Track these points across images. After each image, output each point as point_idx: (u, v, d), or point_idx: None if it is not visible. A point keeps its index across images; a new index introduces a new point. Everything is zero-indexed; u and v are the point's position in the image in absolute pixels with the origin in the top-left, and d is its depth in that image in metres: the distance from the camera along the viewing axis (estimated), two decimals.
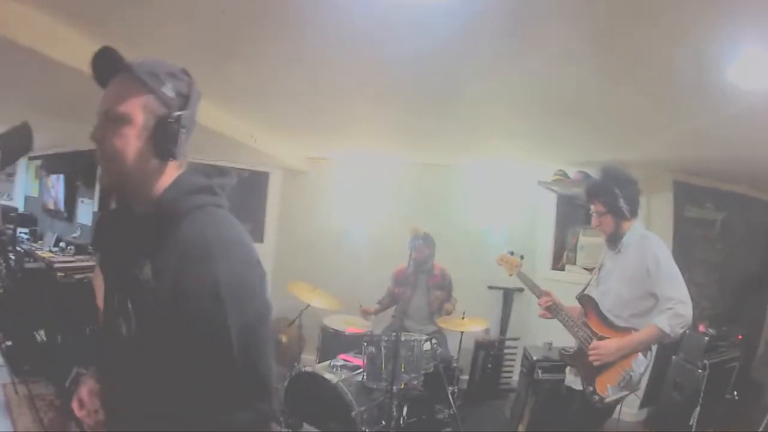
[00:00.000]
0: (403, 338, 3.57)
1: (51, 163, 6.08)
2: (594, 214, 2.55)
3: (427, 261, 4.41)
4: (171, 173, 1.11)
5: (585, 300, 2.64)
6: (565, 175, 4.18)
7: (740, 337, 3.94)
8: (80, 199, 5.57)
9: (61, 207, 5.93)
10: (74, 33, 2.22)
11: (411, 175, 5.19)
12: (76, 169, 5.44)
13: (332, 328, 4.23)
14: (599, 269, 2.70)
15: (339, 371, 3.69)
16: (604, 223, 2.52)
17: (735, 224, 4.51)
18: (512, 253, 3.02)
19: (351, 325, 4.20)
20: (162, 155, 1.07)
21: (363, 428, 3.47)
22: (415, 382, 3.59)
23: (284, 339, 4.75)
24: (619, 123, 3.14)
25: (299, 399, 3.77)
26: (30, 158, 6.13)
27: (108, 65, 1.04)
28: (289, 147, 4.95)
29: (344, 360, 3.80)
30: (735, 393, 3.67)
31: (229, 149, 4.19)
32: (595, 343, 2.39)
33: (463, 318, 3.91)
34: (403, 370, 3.55)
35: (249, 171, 5.30)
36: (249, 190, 5.44)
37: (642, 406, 4.25)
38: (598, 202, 2.52)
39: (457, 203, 4.89)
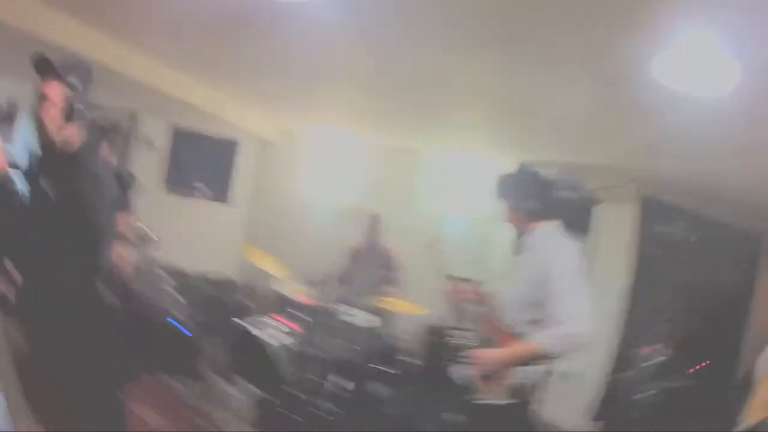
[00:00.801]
0: (338, 312, 3.59)
1: None
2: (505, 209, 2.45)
3: (377, 240, 4.49)
4: None
5: (491, 297, 2.51)
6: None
7: (699, 366, 3.89)
8: None
9: None
10: None
11: (376, 157, 5.25)
12: None
13: (281, 294, 4.21)
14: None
15: (274, 332, 3.69)
16: (512, 219, 2.41)
17: (711, 247, 4.40)
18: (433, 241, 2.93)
19: (301, 293, 4.15)
20: None
21: (296, 393, 3.50)
22: (346, 355, 3.57)
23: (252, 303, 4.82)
24: (571, 126, 3.10)
25: (240, 357, 3.79)
26: None
27: None
28: (261, 118, 5.10)
29: (288, 325, 3.77)
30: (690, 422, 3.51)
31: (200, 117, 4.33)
32: (477, 352, 2.21)
33: (394, 299, 3.92)
34: (334, 342, 3.57)
35: (223, 138, 5.41)
36: (218, 155, 5.53)
37: (597, 418, 4.19)
38: (505, 198, 2.43)
39: (419, 187, 4.93)
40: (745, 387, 3.83)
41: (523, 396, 2.18)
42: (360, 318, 3.71)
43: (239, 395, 3.57)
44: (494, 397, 2.15)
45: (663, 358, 3.67)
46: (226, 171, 5.56)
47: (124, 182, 3.41)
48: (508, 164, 4.14)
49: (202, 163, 5.45)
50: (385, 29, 2.11)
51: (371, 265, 4.50)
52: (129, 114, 4.93)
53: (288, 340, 3.68)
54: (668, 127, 2.51)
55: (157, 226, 4.80)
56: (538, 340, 2.02)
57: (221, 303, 4.72)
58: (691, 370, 3.80)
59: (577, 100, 2.59)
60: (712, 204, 4.32)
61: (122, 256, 3.07)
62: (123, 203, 3.38)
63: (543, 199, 2.31)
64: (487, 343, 2.30)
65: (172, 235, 4.93)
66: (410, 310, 3.91)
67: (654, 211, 4.27)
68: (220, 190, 5.61)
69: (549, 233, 2.28)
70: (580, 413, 4.20)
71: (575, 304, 2.02)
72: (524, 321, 2.22)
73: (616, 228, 4.22)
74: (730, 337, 4.34)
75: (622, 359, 4.00)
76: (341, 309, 3.78)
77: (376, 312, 4.01)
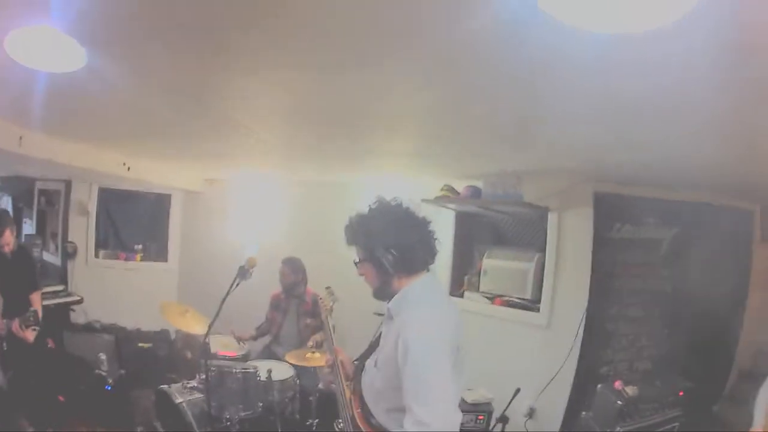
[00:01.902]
0: (235, 369, 3.42)
1: (3, 184, 6.39)
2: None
3: (296, 286, 4.20)
4: None
5: (357, 371, 1.99)
6: (452, 190, 3.67)
7: (681, 393, 3.06)
8: (24, 220, 5.89)
9: None
10: None
11: (303, 194, 5.11)
12: (19, 192, 5.82)
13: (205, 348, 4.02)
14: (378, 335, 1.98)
15: (188, 392, 3.51)
16: (366, 272, 1.82)
17: (692, 242, 3.52)
18: (330, 293, 2.43)
19: (227, 348, 4.04)
20: None
21: None
22: (243, 414, 3.30)
23: (189, 355, 4.69)
24: (496, 136, 2.64)
25: (162, 414, 3.67)
26: None
27: None
28: (185, 171, 5.14)
29: (198, 382, 3.57)
30: None
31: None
32: None
33: (313, 353, 3.55)
34: (231, 401, 3.37)
35: (155, 194, 5.50)
36: (154, 212, 5.67)
37: None
38: (355, 246, 1.85)
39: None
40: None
41: None
42: (255, 372, 3.45)
43: None
44: None
45: (634, 394, 2.91)
46: (161, 227, 5.65)
47: (30, 263, 3.52)
48: (437, 186, 3.85)
49: (138, 222, 5.53)
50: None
51: (293, 313, 4.23)
52: (64, 182, 5.12)
53: (194, 397, 3.45)
54: (605, 95, 1.88)
55: (96, 289, 4.96)
56: None
57: (153, 356, 4.63)
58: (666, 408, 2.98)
59: (493, 108, 2.14)
60: (690, 189, 3.45)
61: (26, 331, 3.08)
62: (33, 283, 3.46)
63: (404, 246, 1.72)
64: (354, 426, 1.87)
65: (109, 297, 5.04)
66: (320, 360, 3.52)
67: (615, 211, 3.46)
68: (158, 248, 5.70)
69: (421, 293, 1.74)
70: None
71: (436, 403, 1.51)
72: (382, 409, 1.78)
73: (571, 239, 3.53)
74: (715, 364, 3.49)
75: (584, 394, 3.32)
76: (234, 366, 3.54)
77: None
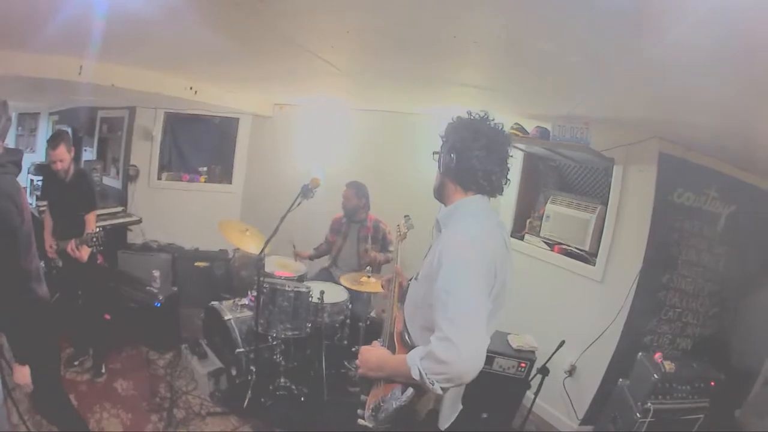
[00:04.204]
0: (287, 287, 3.36)
1: (63, 118, 6.63)
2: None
3: (359, 211, 4.22)
4: None
5: (406, 289, 1.99)
6: (522, 129, 3.57)
7: (712, 383, 2.89)
8: (84, 148, 6.06)
9: None
10: None
11: (370, 122, 4.96)
12: (80, 122, 5.95)
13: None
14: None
15: (238, 309, 3.56)
16: (439, 179, 1.83)
17: (746, 225, 3.32)
18: (407, 220, 2.40)
19: (285, 268, 4.09)
20: None
21: (251, 367, 3.46)
22: (290, 333, 3.34)
23: (244, 273, 4.74)
24: (578, 78, 2.52)
25: (209, 330, 3.79)
26: (49, 114, 6.71)
27: None
28: (255, 95, 5.06)
29: (249, 299, 3.61)
30: None
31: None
32: (363, 347, 1.83)
33: (369, 277, 3.50)
34: (280, 319, 3.42)
35: (220, 117, 5.47)
36: (220, 135, 5.63)
37: (585, 422, 3.56)
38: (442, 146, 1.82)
39: (413, 152, 4.41)
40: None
41: (377, 423, 1.69)
42: (307, 293, 3.47)
43: (201, 367, 3.57)
44: (367, 417, 1.75)
45: (671, 371, 2.80)
46: (227, 150, 5.64)
47: (87, 185, 3.56)
48: (506, 126, 3.70)
49: (203, 146, 5.50)
50: None
51: (353, 237, 4.25)
52: (128, 110, 5.18)
53: (243, 314, 3.51)
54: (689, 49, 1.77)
55: (156, 210, 5.03)
56: (410, 358, 1.55)
57: (209, 275, 4.71)
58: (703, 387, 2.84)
59: (582, 47, 2.02)
60: (754, 170, 3.25)
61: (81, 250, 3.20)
62: (90, 204, 3.53)
63: (467, 163, 1.69)
64: (390, 342, 1.87)
65: (169, 218, 5.11)
66: (374, 286, 3.50)
67: (678, 175, 3.31)
68: (223, 171, 5.72)
69: (471, 208, 1.71)
70: (570, 413, 3.60)
71: (461, 321, 1.46)
72: (418, 326, 1.76)
73: (634, 196, 3.42)
74: (753, 351, 3.26)
75: (625, 361, 3.24)
76: (299, 284, 3.53)
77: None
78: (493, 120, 1.77)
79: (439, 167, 1.78)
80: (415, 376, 1.49)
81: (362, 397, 1.83)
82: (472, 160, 1.68)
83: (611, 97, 2.79)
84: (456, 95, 3.59)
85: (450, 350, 1.42)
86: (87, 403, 3.10)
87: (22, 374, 1.99)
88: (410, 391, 1.60)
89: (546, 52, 2.19)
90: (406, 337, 1.78)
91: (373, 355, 1.75)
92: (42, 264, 2.16)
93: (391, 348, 1.81)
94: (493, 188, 1.73)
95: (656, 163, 3.30)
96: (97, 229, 3.07)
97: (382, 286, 2.19)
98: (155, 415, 3.14)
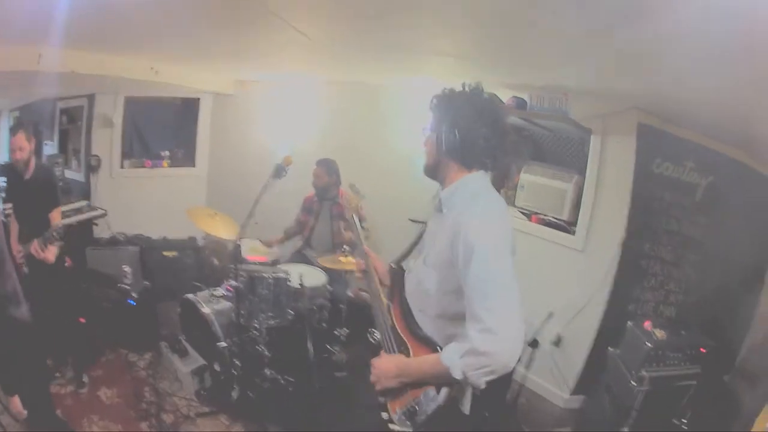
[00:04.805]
0: (265, 274, 3.23)
1: (23, 113, 6.13)
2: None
3: (330, 188, 4.07)
4: None
5: (394, 274, 1.87)
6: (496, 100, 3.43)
7: (702, 350, 2.92)
8: (45, 142, 5.64)
9: None
10: None
11: (338, 96, 4.78)
12: (40, 115, 5.52)
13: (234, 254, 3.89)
14: (424, 231, 1.87)
15: (215, 300, 3.39)
16: (428, 144, 1.71)
17: (725, 196, 3.37)
18: (354, 190, 2.26)
19: (256, 252, 3.92)
20: None
21: (234, 361, 3.28)
22: (273, 322, 3.24)
23: (216, 262, 4.54)
24: (554, 45, 2.43)
25: (187, 325, 3.62)
26: (10, 111, 6.20)
27: None
28: (216, 72, 4.87)
29: (226, 289, 3.44)
30: (683, 421, 2.79)
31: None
32: (374, 360, 1.70)
33: (346, 256, 3.37)
34: (261, 309, 3.29)
35: (182, 99, 5.24)
36: (181, 116, 5.40)
37: (576, 392, 3.59)
38: (432, 114, 1.69)
39: (384, 125, 4.41)
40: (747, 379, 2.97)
41: (415, 426, 1.57)
42: (286, 278, 3.30)
43: (183, 366, 3.41)
44: (399, 422, 1.61)
45: (662, 339, 2.82)
46: (189, 132, 5.41)
47: (50, 181, 3.34)
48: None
49: (165, 130, 5.26)
50: None
51: (326, 215, 4.11)
52: (87, 98, 4.96)
53: (221, 306, 3.35)
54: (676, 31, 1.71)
55: (121, 201, 4.81)
56: (444, 359, 1.46)
57: (179, 265, 4.59)
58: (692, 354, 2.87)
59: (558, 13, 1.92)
60: (727, 139, 3.26)
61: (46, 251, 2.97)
62: (53, 201, 3.28)
63: (471, 138, 1.58)
64: (400, 344, 1.70)
65: (134, 208, 4.89)
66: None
67: (656, 146, 3.31)
68: (186, 154, 5.49)
69: (479, 186, 1.62)
70: (560, 384, 3.63)
71: (503, 311, 1.40)
72: (433, 314, 1.65)
73: (613, 166, 3.41)
74: (737, 318, 3.35)
75: (612, 329, 3.25)
76: (277, 270, 3.34)
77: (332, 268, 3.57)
78: (485, 92, 1.66)
79: (438, 144, 1.63)
80: (458, 376, 1.41)
81: (380, 399, 1.67)
82: (477, 137, 1.58)
83: (600, 70, 2.70)
84: (429, 65, 3.49)
85: (494, 343, 1.36)
86: (75, 419, 2.90)
87: (13, 404, 1.85)
88: (446, 390, 1.52)
89: (529, 20, 2.11)
90: (417, 330, 1.67)
91: (390, 364, 1.63)
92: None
93: (399, 344, 1.68)
94: (495, 164, 1.66)
95: (635, 133, 3.29)
96: (55, 223, 2.86)
97: (358, 272, 2.04)
98: (144, 423, 2.98)
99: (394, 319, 1.76)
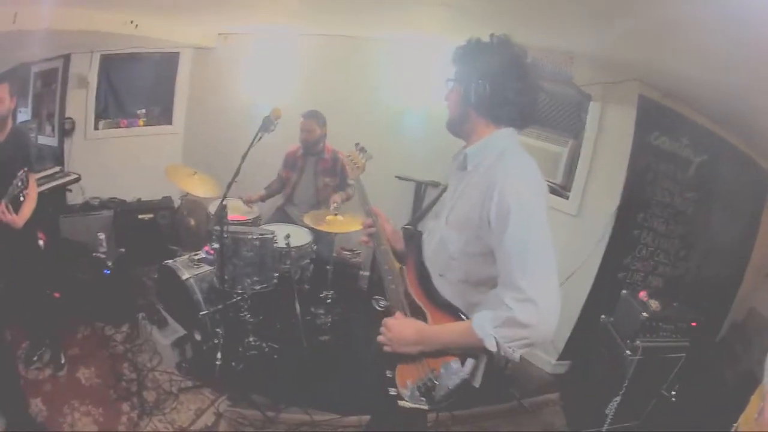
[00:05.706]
0: (250, 235, 3.04)
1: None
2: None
3: (317, 142, 3.81)
4: None
5: (409, 237, 1.75)
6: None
7: (693, 324, 2.88)
8: (18, 110, 5.24)
9: None
10: None
11: (324, 49, 4.54)
12: (14, 80, 5.09)
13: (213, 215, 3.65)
14: (444, 190, 1.74)
15: (195, 265, 3.21)
16: (451, 97, 1.58)
17: (715, 175, 3.40)
18: (361, 150, 2.10)
19: (236, 211, 3.74)
20: None
21: (216, 330, 3.13)
22: (258, 287, 3.07)
23: (192, 222, 4.34)
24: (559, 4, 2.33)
25: (165, 293, 3.42)
26: None
27: None
28: (198, 25, 4.57)
29: (207, 252, 3.26)
30: (673, 392, 2.78)
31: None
32: (387, 320, 1.54)
33: (336, 215, 3.21)
34: (246, 273, 3.11)
35: (160, 53, 4.90)
36: (159, 73, 5.05)
37: (562, 357, 3.56)
38: (456, 64, 1.57)
39: (374, 79, 4.19)
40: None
41: (432, 402, 1.46)
42: (271, 239, 3.14)
43: (162, 337, 3.21)
44: (411, 397, 1.47)
45: (657, 309, 2.78)
46: (167, 89, 5.09)
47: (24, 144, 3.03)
48: None
49: (141, 88, 4.99)
50: None
51: (310, 171, 3.87)
52: (62, 58, 4.59)
53: (202, 270, 3.16)
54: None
55: (95, 164, 4.54)
56: (476, 329, 1.34)
57: (154, 227, 4.41)
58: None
59: None
60: (723, 121, 3.27)
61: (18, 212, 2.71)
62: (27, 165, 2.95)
63: (500, 92, 1.46)
64: (414, 311, 1.57)
65: (109, 170, 4.64)
66: (345, 226, 3.23)
67: (655, 119, 3.28)
68: (163, 111, 5.17)
69: (507, 144, 1.50)
70: (548, 348, 3.61)
71: (542, 278, 1.30)
72: (455, 279, 1.52)
73: (611, 133, 3.35)
74: (724, 289, 3.41)
75: (602, 297, 3.24)
76: (263, 230, 3.17)
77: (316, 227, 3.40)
78: (515, 45, 1.53)
79: (465, 97, 1.50)
80: (491, 347, 1.30)
81: (387, 373, 1.51)
82: (507, 91, 1.46)
83: (602, 35, 2.62)
84: (421, 17, 3.30)
85: (535, 313, 1.26)
86: (56, 406, 2.71)
87: None
88: (472, 362, 1.41)
89: None
90: (437, 296, 1.54)
91: (409, 329, 1.48)
92: None
93: (415, 311, 1.55)
94: (524, 121, 1.55)
95: (635, 104, 3.23)
96: (20, 173, 2.63)
97: (365, 235, 1.82)
98: (126, 404, 2.79)
99: (408, 284, 1.62)
